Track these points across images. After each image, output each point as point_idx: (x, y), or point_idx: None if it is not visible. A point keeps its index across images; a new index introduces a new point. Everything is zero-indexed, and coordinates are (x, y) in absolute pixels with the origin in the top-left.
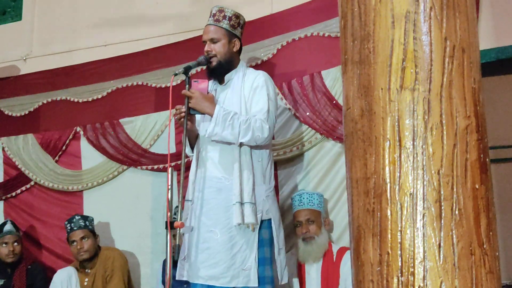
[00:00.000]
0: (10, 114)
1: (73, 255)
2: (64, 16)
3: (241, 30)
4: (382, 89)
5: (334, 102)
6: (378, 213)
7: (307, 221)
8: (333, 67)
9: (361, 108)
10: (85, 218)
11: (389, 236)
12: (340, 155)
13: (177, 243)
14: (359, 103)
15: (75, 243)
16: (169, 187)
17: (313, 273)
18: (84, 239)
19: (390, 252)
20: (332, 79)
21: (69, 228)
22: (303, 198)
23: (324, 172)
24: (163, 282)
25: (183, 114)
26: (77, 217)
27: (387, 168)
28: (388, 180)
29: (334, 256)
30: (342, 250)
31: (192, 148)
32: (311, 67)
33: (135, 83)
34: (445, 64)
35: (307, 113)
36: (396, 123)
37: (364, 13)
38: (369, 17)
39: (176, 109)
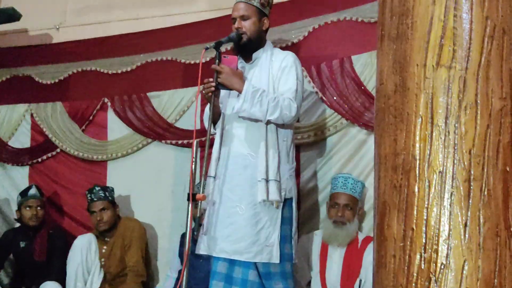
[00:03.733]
0: (40, 81)
1: (93, 225)
2: None
3: (269, 10)
4: (417, 65)
5: (362, 87)
6: (405, 190)
7: (345, 206)
8: (364, 53)
9: (394, 84)
10: (105, 189)
11: (415, 212)
12: (364, 142)
13: (198, 215)
14: (393, 78)
15: (95, 214)
16: (194, 160)
17: (336, 257)
18: (103, 210)
19: (414, 228)
20: (362, 64)
21: (89, 198)
22: (348, 183)
23: (346, 158)
24: (180, 255)
25: (212, 88)
26: (97, 188)
27: (417, 145)
28: (417, 157)
29: (359, 244)
30: (367, 239)
31: (214, 125)
32: (341, 52)
33: (164, 58)
34: (484, 43)
35: (334, 98)
36: (430, 100)
37: None
38: None
39: (205, 82)
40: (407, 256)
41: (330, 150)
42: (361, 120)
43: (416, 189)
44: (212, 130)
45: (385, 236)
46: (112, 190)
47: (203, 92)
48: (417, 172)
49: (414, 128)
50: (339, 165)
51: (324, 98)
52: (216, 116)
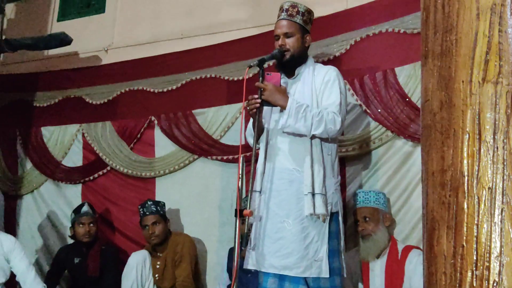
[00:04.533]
0: (90, 102)
1: (145, 239)
2: (145, 9)
3: (311, 26)
4: (463, 81)
5: (407, 99)
6: (454, 206)
7: (363, 219)
8: (407, 64)
9: (440, 101)
10: (157, 203)
11: (465, 229)
12: (411, 154)
13: (245, 231)
14: (439, 95)
15: (147, 228)
16: (240, 175)
17: (377, 270)
18: (155, 224)
19: (465, 245)
20: (406, 76)
21: (141, 212)
22: (359, 197)
23: (393, 171)
24: (228, 270)
25: (257, 105)
26: (149, 202)
27: (465, 161)
28: (466, 173)
29: (399, 254)
30: (407, 249)
31: (257, 140)
32: (384, 64)
33: (208, 76)
34: None
35: (379, 110)
36: (477, 116)
37: (448, 5)
38: (453, 9)
39: (249, 99)
40: (458, 274)
41: (376, 163)
42: (406, 132)
43: (465, 206)
44: (256, 144)
45: (435, 253)
46: (164, 205)
47: (248, 108)
48: (465, 188)
49: (462, 145)
50: (385, 178)
51: (368, 110)
52: (259, 131)
